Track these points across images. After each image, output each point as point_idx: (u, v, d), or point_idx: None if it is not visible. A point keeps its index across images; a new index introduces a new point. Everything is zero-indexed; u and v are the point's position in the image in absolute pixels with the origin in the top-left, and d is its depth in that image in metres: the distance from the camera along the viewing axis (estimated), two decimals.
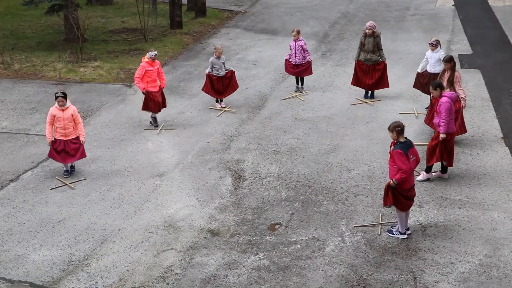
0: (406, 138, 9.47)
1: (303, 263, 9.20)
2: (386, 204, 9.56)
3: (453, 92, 11.45)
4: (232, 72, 15.24)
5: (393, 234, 9.73)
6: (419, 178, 11.33)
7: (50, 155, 12.04)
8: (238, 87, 15.48)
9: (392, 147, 9.48)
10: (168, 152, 13.06)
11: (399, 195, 9.42)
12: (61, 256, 9.55)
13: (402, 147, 9.29)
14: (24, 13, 25.84)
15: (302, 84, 16.39)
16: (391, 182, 9.32)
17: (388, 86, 15.51)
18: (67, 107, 11.78)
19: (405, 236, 9.64)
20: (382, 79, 15.31)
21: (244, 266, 9.17)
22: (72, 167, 12.22)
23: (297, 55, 15.85)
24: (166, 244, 9.80)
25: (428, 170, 11.44)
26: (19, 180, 12.06)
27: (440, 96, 11.11)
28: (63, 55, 20.00)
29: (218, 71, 14.96)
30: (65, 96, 11.77)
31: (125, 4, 28.19)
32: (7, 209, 10.98)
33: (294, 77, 16.62)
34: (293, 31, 16.02)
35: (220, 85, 15.07)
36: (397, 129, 9.36)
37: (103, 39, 22.57)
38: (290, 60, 16.06)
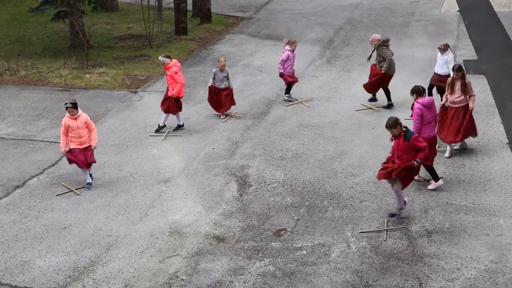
0: (405, 126, 10.17)
1: (309, 269, 9.19)
2: (400, 179, 10.13)
3: (428, 98, 11.36)
4: (230, 90, 15.06)
5: (397, 214, 10.30)
6: (430, 187, 11.29)
7: (71, 160, 11.85)
8: (234, 104, 15.26)
9: (402, 139, 10.01)
10: (173, 158, 13.08)
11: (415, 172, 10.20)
12: (67, 262, 9.57)
13: (413, 132, 10.12)
14: (30, 19, 25.93)
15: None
16: (414, 162, 9.93)
17: (366, 89, 15.50)
18: (79, 115, 11.75)
19: (406, 207, 10.29)
20: (370, 79, 15.42)
21: (250, 272, 9.17)
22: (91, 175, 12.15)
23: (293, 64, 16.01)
24: (171, 250, 9.81)
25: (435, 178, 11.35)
26: (25, 186, 12.09)
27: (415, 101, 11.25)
28: (68, 61, 20.05)
29: (219, 83, 14.88)
30: (74, 106, 11.67)
31: (131, 11, 28.27)
32: (13, 215, 11.01)
33: (297, 84, 16.55)
34: (294, 43, 15.95)
35: (219, 100, 14.99)
36: (399, 121, 10.01)
37: (109, 45, 22.64)
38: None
